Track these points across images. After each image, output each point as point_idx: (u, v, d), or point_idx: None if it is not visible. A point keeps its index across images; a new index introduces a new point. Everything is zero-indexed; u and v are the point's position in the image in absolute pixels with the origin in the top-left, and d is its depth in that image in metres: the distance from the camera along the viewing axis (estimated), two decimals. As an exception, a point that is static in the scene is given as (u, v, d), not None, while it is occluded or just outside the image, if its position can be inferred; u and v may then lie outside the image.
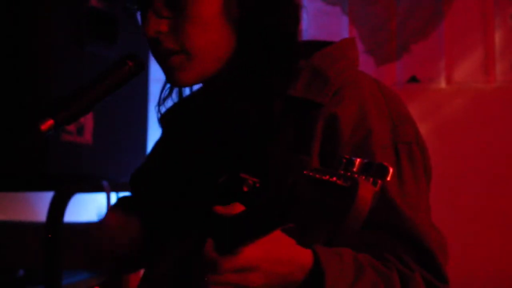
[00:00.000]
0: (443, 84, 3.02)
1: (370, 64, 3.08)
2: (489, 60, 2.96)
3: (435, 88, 3.02)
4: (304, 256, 1.20)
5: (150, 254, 1.48)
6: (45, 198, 2.48)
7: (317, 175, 0.90)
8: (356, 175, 0.89)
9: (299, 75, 1.39)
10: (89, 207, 2.98)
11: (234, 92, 1.38)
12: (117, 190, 2.67)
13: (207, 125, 1.45)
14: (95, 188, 2.58)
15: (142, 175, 1.64)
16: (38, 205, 3.09)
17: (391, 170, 0.90)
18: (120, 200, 1.68)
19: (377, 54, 3.08)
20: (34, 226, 3.05)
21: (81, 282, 2.62)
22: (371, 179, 0.89)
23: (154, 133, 3.01)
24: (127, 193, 2.66)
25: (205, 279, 1.14)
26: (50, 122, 1.25)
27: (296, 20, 1.43)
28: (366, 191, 0.87)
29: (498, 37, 2.96)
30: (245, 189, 1.20)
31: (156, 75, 3.06)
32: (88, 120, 2.57)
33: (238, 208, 1.16)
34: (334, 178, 0.89)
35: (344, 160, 0.91)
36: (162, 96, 1.53)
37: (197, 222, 1.31)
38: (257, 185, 1.20)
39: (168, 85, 1.52)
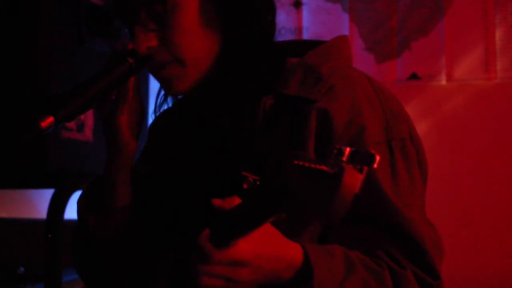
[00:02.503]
0: (443, 81, 3.03)
1: (371, 62, 3.09)
2: (490, 57, 2.96)
3: (436, 85, 3.03)
4: (294, 254, 1.21)
5: (148, 250, 1.49)
6: (45, 196, 2.48)
7: (307, 164, 0.92)
8: (344, 163, 0.90)
9: (292, 73, 1.40)
10: None
11: (223, 94, 1.39)
12: None
13: (203, 127, 1.45)
14: None
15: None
16: (39, 203, 3.09)
17: (377, 157, 0.91)
18: None
19: (377, 51, 3.09)
20: (34, 224, 3.05)
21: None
22: (357, 166, 0.90)
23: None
24: None
25: (196, 268, 1.16)
26: (50, 119, 1.25)
27: (272, 11, 1.45)
28: (351, 178, 0.88)
29: (498, 34, 2.97)
30: (245, 186, 1.20)
31: None
32: (88, 117, 2.57)
33: (236, 201, 1.17)
34: (323, 166, 0.90)
35: (335, 151, 0.92)
36: (158, 103, 1.54)
37: (197, 218, 1.32)
38: (257, 183, 1.21)
39: (162, 93, 1.53)
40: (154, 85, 2.98)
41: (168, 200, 1.49)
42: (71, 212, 2.44)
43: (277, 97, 1.39)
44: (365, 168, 0.90)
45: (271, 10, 1.44)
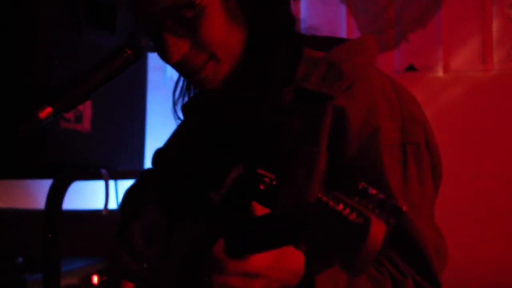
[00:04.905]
0: (440, 73, 3.01)
1: None
2: (487, 48, 2.95)
3: (433, 77, 3.02)
4: (299, 263, 1.20)
5: (161, 240, 1.49)
6: (44, 186, 2.49)
7: (331, 203, 0.90)
8: (369, 206, 0.89)
9: (315, 67, 1.39)
10: (87, 194, 2.99)
11: (245, 86, 1.38)
12: (115, 177, 2.67)
13: (221, 118, 1.45)
14: (94, 175, 2.58)
15: (162, 157, 1.66)
16: (37, 193, 3.10)
17: (405, 209, 0.89)
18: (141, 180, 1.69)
19: None
20: (33, 214, 3.06)
21: (80, 269, 2.63)
22: (384, 216, 0.88)
23: (152, 121, 3.01)
24: (126, 181, 2.66)
25: (210, 277, 1.16)
26: (48, 109, 1.26)
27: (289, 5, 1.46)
28: (378, 230, 0.87)
29: (495, 26, 2.95)
30: (262, 187, 1.20)
31: (155, 63, 3.07)
32: (86, 108, 2.58)
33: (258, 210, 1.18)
34: (347, 211, 0.88)
35: (360, 187, 0.91)
36: (176, 97, 1.53)
37: (210, 217, 1.32)
38: (274, 182, 1.20)
39: (180, 86, 1.52)
40: (152, 79, 3.00)
41: (177, 195, 1.49)
42: (69, 202, 2.46)
43: (297, 90, 1.38)
44: (392, 221, 0.88)
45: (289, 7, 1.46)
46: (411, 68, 3.04)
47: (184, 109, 1.59)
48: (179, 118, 1.55)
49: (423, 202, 1.35)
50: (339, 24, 3.11)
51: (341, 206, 0.89)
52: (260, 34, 1.39)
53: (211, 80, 1.39)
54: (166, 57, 1.37)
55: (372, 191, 0.90)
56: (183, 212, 1.44)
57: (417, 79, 3.02)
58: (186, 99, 1.54)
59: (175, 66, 1.39)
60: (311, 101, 1.36)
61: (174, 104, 1.53)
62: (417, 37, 3.04)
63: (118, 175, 2.69)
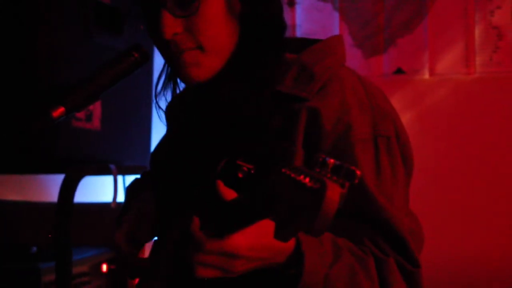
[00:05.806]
0: (426, 76, 3.06)
1: (359, 57, 3.10)
2: (470, 53, 2.99)
3: (419, 79, 3.07)
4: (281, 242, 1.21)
5: (158, 230, 1.53)
6: (56, 180, 2.51)
7: (292, 175, 0.95)
8: (328, 175, 0.93)
9: (288, 70, 1.41)
10: (97, 188, 3.04)
11: (230, 85, 1.40)
12: (123, 172, 2.71)
13: (205, 117, 1.48)
14: (103, 171, 2.60)
15: (154, 159, 1.70)
16: (50, 187, 3.10)
17: (359, 173, 0.94)
18: (141, 177, 1.74)
19: (365, 47, 3.11)
20: (46, 206, 3.09)
21: (90, 258, 2.67)
22: (340, 181, 0.93)
23: (158, 119, 3.09)
24: (133, 176, 2.74)
25: (190, 257, 1.18)
26: (61, 109, 1.30)
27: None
28: (334, 193, 0.91)
29: (478, 31, 3.00)
30: (240, 175, 1.21)
31: (160, 66, 3.15)
32: (96, 108, 2.61)
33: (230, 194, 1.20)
34: (307, 179, 0.93)
35: (320, 160, 0.95)
36: (157, 90, 1.54)
37: (192, 204, 1.34)
38: (252, 171, 1.21)
39: (162, 80, 1.54)
40: (157, 77, 3.08)
41: (173, 184, 1.52)
42: (80, 195, 2.50)
43: (274, 92, 1.40)
44: (347, 184, 0.93)
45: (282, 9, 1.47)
46: (399, 71, 3.07)
47: (167, 111, 1.62)
48: (160, 108, 1.57)
49: (396, 190, 1.38)
50: (332, 30, 3.14)
51: (301, 176, 0.93)
52: (253, 36, 1.40)
53: (193, 67, 1.39)
54: (158, 34, 1.37)
55: (330, 160, 0.94)
56: (173, 207, 1.48)
57: (405, 81, 3.06)
58: (169, 92, 1.55)
59: (164, 45, 1.39)
60: (287, 102, 1.38)
61: (155, 96, 1.54)
62: (404, 42, 3.09)
63: (126, 170, 2.71)
